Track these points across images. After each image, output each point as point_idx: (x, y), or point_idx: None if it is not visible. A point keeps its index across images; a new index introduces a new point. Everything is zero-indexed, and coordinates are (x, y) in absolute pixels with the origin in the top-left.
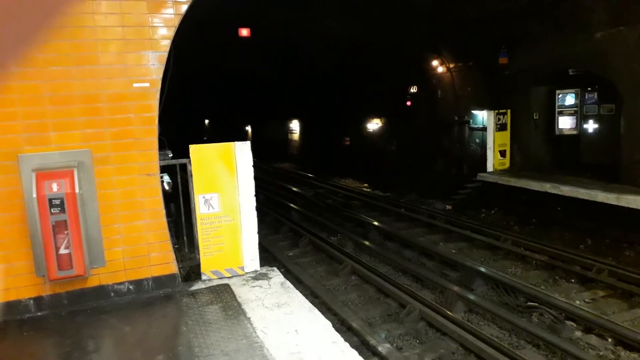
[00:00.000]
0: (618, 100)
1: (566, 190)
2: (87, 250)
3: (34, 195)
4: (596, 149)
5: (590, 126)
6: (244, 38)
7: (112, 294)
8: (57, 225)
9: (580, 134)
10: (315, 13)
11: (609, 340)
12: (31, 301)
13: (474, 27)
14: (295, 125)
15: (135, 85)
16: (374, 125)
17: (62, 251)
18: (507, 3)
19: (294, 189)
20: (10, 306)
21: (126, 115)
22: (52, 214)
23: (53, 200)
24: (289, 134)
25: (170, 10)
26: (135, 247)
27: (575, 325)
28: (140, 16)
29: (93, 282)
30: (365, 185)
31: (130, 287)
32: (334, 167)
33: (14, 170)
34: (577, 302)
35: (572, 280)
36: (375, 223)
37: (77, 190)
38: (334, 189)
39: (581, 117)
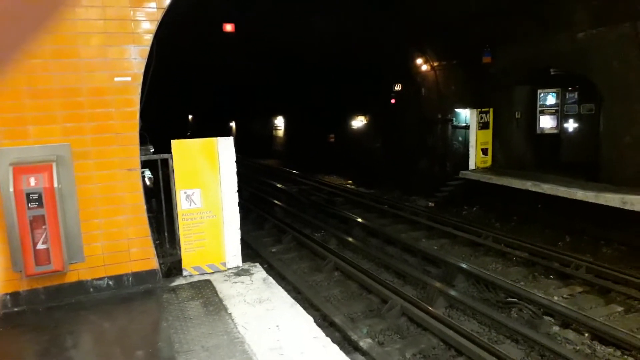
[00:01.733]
0: (598, 100)
1: (546, 188)
2: (65, 245)
3: (11, 189)
4: (576, 148)
5: (571, 125)
6: (229, 33)
7: (91, 289)
8: (35, 220)
9: (560, 133)
10: (301, 9)
11: (586, 335)
12: (7, 297)
13: (457, 26)
14: (280, 121)
15: (116, 79)
16: (358, 122)
17: (40, 246)
18: (491, 2)
19: (278, 185)
20: None
21: (107, 109)
22: (29, 208)
23: (31, 195)
24: (274, 130)
25: (153, 4)
26: (116, 243)
27: (553, 320)
28: (122, 9)
29: (72, 277)
30: (350, 182)
31: (110, 282)
32: (319, 163)
33: None
34: (556, 298)
35: (551, 277)
36: (359, 220)
37: (55, 185)
38: (318, 185)
39: (562, 117)
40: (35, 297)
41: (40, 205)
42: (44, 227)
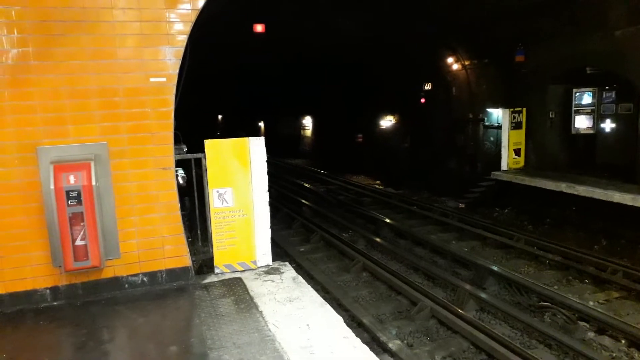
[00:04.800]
0: (636, 99)
1: (581, 190)
2: (102, 242)
3: (52, 187)
4: (613, 149)
5: (608, 125)
6: (259, 34)
7: (126, 285)
8: (74, 217)
9: (597, 134)
10: (329, 9)
11: (623, 341)
12: (47, 291)
13: (489, 24)
14: (308, 121)
15: (151, 79)
16: (387, 122)
17: (78, 242)
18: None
19: (306, 185)
20: (27, 295)
21: (143, 109)
22: (69, 205)
23: (70, 192)
24: (302, 130)
25: (187, 6)
26: (150, 240)
27: (588, 326)
28: (158, 11)
29: (108, 273)
30: (378, 182)
31: (144, 279)
32: (346, 163)
33: (32, 162)
34: (591, 302)
35: (586, 281)
36: (387, 220)
37: (93, 183)
38: (345, 185)
39: (598, 117)
40: (73, 291)
41: (79, 202)
42: (82, 223)
